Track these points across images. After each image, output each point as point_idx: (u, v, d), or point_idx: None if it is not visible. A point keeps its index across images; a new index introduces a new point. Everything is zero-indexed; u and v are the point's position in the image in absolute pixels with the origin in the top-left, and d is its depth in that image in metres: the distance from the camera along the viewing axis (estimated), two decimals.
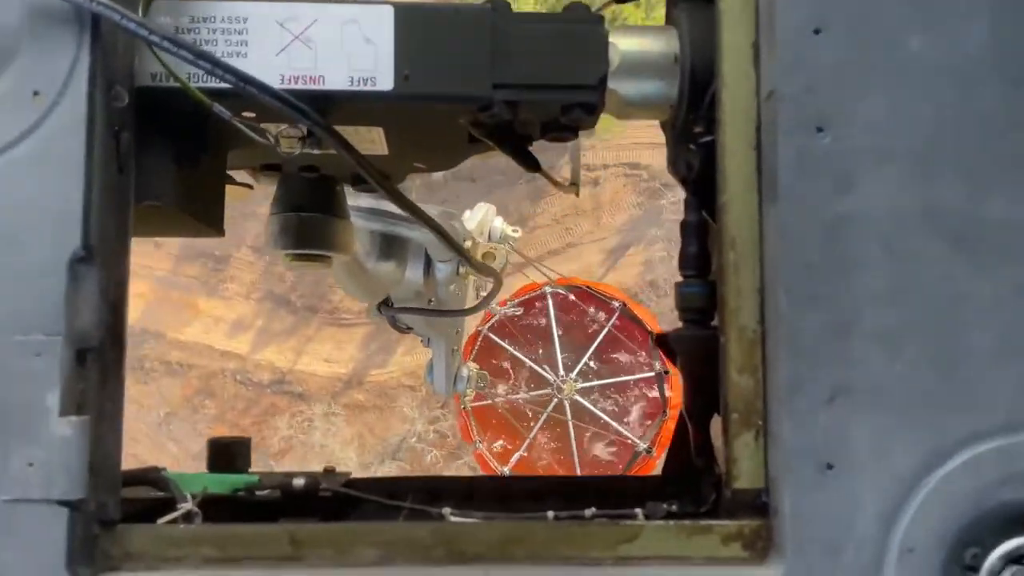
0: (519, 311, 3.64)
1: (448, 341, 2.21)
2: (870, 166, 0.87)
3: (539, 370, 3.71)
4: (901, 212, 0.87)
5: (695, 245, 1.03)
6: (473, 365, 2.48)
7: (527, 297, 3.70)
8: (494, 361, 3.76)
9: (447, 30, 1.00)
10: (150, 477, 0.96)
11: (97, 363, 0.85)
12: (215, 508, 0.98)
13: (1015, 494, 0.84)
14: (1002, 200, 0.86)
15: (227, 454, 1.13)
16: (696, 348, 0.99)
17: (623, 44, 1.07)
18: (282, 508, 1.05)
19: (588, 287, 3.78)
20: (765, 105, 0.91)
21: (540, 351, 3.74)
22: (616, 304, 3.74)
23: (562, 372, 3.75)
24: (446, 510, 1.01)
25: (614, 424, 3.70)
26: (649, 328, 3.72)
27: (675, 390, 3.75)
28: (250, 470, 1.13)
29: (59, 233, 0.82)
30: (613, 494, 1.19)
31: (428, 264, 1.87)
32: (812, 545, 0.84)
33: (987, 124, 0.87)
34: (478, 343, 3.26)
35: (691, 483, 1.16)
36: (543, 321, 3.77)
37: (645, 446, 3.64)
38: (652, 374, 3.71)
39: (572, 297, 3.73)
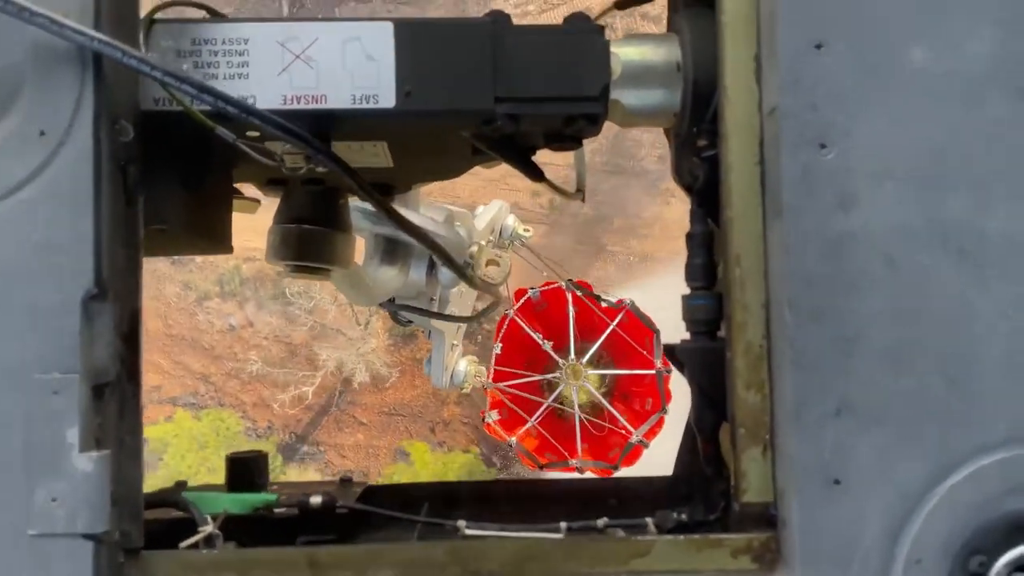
0: (544, 305, 3.94)
1: (448, 336, 2.24)
2: (873, 182, 0.87)
3: (552, 355, 4.02)
4: (905, 228, 0.87)
5: (701, 257, 1.03)
6: (472, 359, 2.52)
7: (548, 288, 3.98)
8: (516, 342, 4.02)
9: (448, 45, 0.99)
10: (171, 500, 0.98)
11: (114, 397, 0.86)
12: (235, 527, 1.00)
13: (1019, 504, 0.85)
14: (1008, 213, 0.86)
15: (246, 471, 1.15)
16: (704, 360, 0.99)
17: (624, 53, 1.06)
18: (300, 525, 1.07)
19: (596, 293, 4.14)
20: (768, 120, 0.91)
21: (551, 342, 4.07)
22: (626, 302, 4.03)
23: (572, 358, 4.08)
24: (461, 523, 1.02)
25: (615, 413, 4.04)
26: (654, 327, 3.94)
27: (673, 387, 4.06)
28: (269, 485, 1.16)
29: (71, 272, 0.83)
30: (624, 498, 1.21)
31: (432, 265, 1.87)
32: (820, 558, 0.86)
33: (992, 136, 0.86)
34: (505, 325, 3.60)
35: (700, 486, 1.17)
36: (559, 315, 4.10)
37: (639, 438, 3.95)
38: (653, 372, 4.00)
39: (583, 296, 4.06)
